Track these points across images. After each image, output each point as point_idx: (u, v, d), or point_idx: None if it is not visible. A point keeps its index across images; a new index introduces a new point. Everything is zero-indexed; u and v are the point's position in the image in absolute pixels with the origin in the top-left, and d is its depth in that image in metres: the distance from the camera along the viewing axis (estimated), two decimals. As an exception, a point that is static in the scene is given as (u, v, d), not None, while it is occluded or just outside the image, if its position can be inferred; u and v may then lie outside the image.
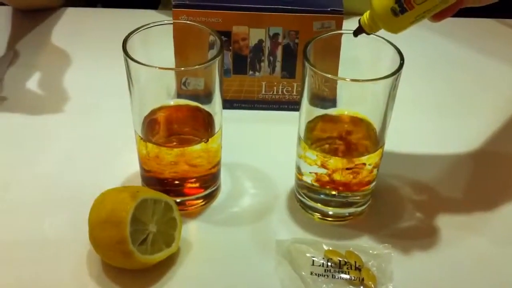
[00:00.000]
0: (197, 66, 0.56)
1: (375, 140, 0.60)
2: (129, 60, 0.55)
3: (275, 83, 0.74)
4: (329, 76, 0.55)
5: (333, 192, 0.62)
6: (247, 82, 0.74)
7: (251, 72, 0.74)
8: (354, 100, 0.60)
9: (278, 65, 0.73)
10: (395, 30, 0.54)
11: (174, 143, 0.62)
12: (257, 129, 0.74)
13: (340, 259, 0.57)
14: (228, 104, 0.75)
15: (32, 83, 0.79)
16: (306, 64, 0.56)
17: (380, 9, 0.53)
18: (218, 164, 0.64)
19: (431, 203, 0.65)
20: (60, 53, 0.85)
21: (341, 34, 0.62)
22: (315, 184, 0.61)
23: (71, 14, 0.92)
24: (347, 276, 0.56)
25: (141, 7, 0.92)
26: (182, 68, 0.57)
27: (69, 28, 0.89)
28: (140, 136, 0.60)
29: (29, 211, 0.63)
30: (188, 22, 0.65)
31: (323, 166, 0.60)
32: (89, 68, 0.82)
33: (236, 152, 0.69)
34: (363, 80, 0.55)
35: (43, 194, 0.64)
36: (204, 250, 0.60)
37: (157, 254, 0.55)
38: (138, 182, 0.65)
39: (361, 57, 0.61)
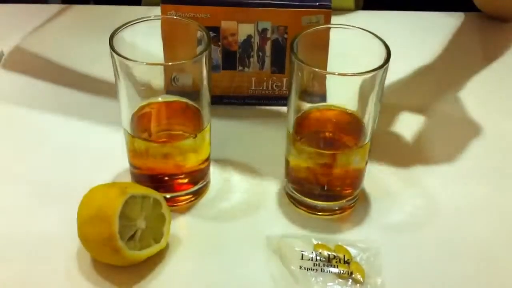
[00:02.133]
0: (184, 61, 0.56)
1: (363, 133, 0.60)
2: (116, 56, 0.55)
3: (265, 79, 0.74)
4: (316, 70, 0.55)
5: (323, 186, 0.62)
6: (236, 77, 0.74)
7: (240, 68, 0.74)
8: (342, 95, 0.60)
9: (267, 61, 0.73)
10: None
11: (163, 139, 0.62)
12: (246, 124, 0.74)
13: (329, 253, 0.57)
14: (218, 99, 0.75)
15: (23, 81, 0.79)
16: (293, 58, 0.56)
17: None
18: (207, 159, 0.64)
19: (420, 196, 0.65)
20: (50, 50, 0.84)
21: (329, 28, 0.62)
22: (304, 178, 0.61)
23: (61, 11, 0.92)
24: (336, 270, 0.56)
25: (125, 3, 0.92)
26: (170, 63, 0.57)
27: (59, 25, 0.89)
28: (128, 132, 0.60)
29: (18, 208, 0.63)
30: (175, 17, 0.65)
31: (311, 160, 0.60)
32: (80, 65, 0.82)
33: (225, 148, 0.69)
34: (350, 74, 0.55)
35: (32, 190, 0.64)
36: (194, 245, 0.59)
37: (146, 250, 0.55)
38: (127, 178, 0.65)
39: (350, 51, 0.61)
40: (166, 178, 0.63)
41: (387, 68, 0.56)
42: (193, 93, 0.60)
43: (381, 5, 0.93)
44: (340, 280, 0.56)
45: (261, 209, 0.63)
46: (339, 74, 0.55)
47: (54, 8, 0.93)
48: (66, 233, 0.58)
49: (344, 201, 0.63)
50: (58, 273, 0.57)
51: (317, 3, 0.69)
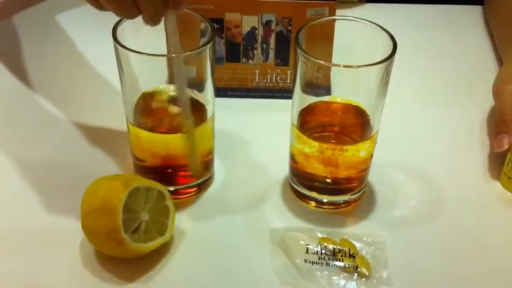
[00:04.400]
0: (187, 53, 0.55)
1: (368, 127, 0.60)
2: (119, 47, 0.55)
3: (269, 71, 0.74)
4: (321, 62, 0.55)
5: (327, 180, 0.61)
6: (240, 70, 0.74)
7: (244, 60, 0.73)
8: (347, 87, 0.60)
9: (272, 53, 0.73)
10: None
11: (166, 130, 0.61)
12: (250, 117, 0.73)
13: (334, 246, 0.57)
14: (222, 92, 0.74)
15: (25, 73, 0.79)
16: (298, 50, 0.55)
17: None
18: (211, 152, 0.64)
19: (425, 190, 0.65)
20: (54, 42, 0.84)
21: (334, 20, 0.62)
22: (309, 171, 0.61)
23: (64, 3, 0.92)
24: (341, 264, 0.56)
25: None
26: (173, 55, 0.57)
27: (62, 17, 0.89)
28: (132, 124, 0.60)
29: (21, 200, 0.62)
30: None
31: (316, 153, 0.59)
32: (84, 58, 0.81)
33: (230, 141, 0.69)
34: (355, 66, 0.55)
35: (36, 183, 0.64)
36: (198, 238, 0.59)
37: (150, 243, 0.55)
38: (131, 171, 0.64)
39: (355, 44, 0.60)
40: (170, 170, 0.62)
41: (392, 60, 0.56)
42: (197, 85, 0.60)
43: None
44: (345, 273, 0.55)
45: (266, 202, 0.63)
46: (344, 66, 0.54)
47: (60, 0, 0.93)
48: (69, 225, 0.58)
49: (349, 194, 0.62)
50: (61, 265, 0.56)
51: (322, -5, 0.69)
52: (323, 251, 0.57)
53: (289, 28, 0.71)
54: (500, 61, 0.82)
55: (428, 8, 0.93)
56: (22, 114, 0.73)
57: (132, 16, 0.53)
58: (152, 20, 0.53)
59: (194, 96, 0.60)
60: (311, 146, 0.59)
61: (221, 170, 0.66)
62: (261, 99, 0.76)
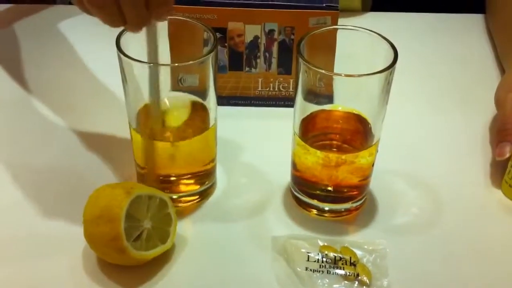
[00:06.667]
0: (190, 62, 0.56)
1: (370, 135, 0.60)
2: (122, 57, 0.55)
3: (272, 80, 0.74)
4: (322, 71, 0.55)
5: (329, 188, 0.61)
6: (243, 78, 0.74)
7: (247, 69, 0.74)
8: (349, 96, 0.60)
9: (274, 62, 0.73)
10: None
11: (169, 139, 0.62)
12: (253, 125, 0.74)
13: (335, 254, 0.57)
14: (225, 101, 0.75)
15: (27, 80, 0.79)
16: (300, 59, 0.56)
17: None
18: (213, 160, 0.64)
19: (427, 198, 0.65)
20: (56, 50, 0.85)
21: (336, 29, 0.62)
22: (311, 179, 0.61)
23: (67, 11, 0.92)
24: (342, 272, 0.56)
25: None
26: (176, 64, 0.57)
27: (64, 25, 0.89)
28: (135, 133, 0.60)
29: (24, 207, 0.63)
30: (182, 18, 0.65)
31: (318, 162, 0.59)
32: (86, 65, 0.82)
33: (232, 149, 0.69)
34: (357, 75, 0.55)
35: (38, 190, 0.64)
36: (200, 246, 0.59)
37: (152, 250, 0.55)
38: (133, 179, 0.65)
39: (357, 52, 0.61)
40: (172, 178, 0.63)
41: (394, 69, 0.56)
42: (200, 94, 0.60)
43: (390, 6, 0.93)
44: (346, 282, 0.55)
45: (267, 210, 0.63)
46: (346, 76, 0.55)
47: (63, 8, 0.93)
48: (72, 232, 0.58)
49: (351, 203, 0.62)
50: (64, 273, 0.57)
51: (324, 4, 0.69)
52: (324, 259, 0.57)
53: (292, 37, 0.71)
54: (502, 69, 0.82)
55: (430, 17, 0.94)
56: (24, 122, 0.73)
57: (116, 24, 0.53)
58: (135, 29, 0.54)
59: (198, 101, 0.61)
60: (313, 154, 0.59)
61: (223, 177, 0.66)
62: (264, 107, 0.76)
